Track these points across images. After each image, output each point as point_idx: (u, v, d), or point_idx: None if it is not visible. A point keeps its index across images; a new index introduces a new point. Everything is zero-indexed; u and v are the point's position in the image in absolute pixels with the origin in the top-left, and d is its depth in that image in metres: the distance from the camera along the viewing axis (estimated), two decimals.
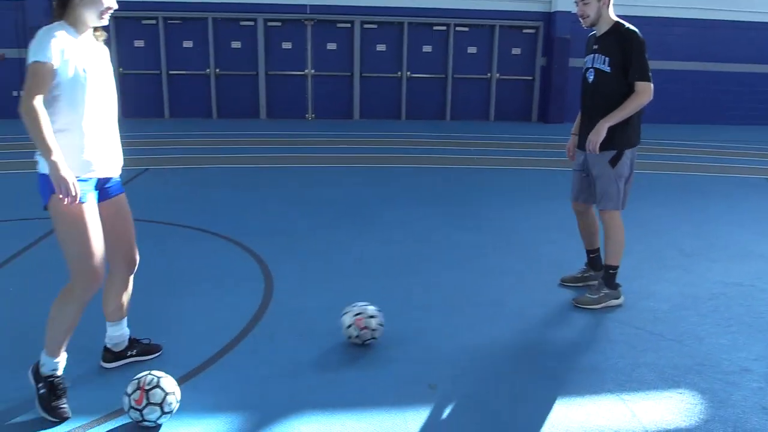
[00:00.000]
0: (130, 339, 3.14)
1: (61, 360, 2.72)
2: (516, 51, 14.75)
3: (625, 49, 3.66)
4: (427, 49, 14.59)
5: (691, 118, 15.07)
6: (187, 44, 13.72)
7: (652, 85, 3.66)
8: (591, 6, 3.72)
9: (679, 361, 3.23)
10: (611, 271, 3.95)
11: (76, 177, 2.51)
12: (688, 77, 14.95)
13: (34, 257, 4.73)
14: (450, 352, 3.31)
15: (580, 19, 3.81)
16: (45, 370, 2.69)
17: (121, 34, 13.65)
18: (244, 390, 2.88)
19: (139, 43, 13.77)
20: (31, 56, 2.42)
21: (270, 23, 13.89)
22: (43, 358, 2.70)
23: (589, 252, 4.27)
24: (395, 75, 14.55)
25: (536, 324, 3.72)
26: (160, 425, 2.55)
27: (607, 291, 3.95)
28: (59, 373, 2.70)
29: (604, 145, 3.73)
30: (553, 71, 14.27)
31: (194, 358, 3.16)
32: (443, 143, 11.13)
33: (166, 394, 2.52)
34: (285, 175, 7.97)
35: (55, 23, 2.55)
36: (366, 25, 14.22)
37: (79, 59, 2.54)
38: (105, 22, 2.65)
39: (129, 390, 2.53)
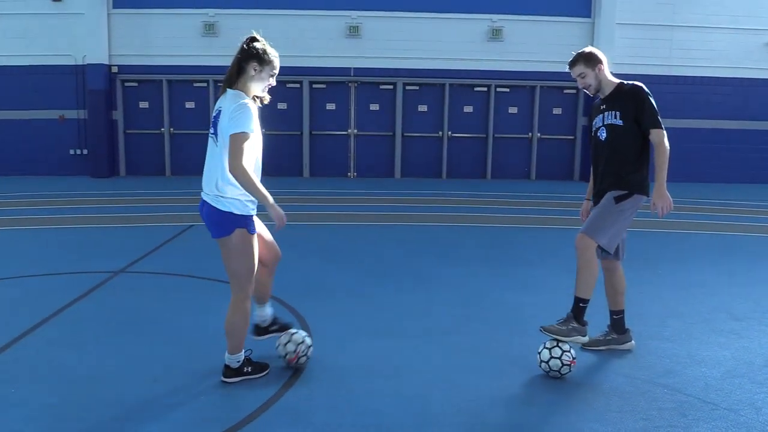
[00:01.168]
0: (274, 318, 3.91)
1: (242, 354, 3.55)
2: (557, 111, 14.82)
3: (636, 101, 3.85)
4: (468, 109, 14.78)
5: (740, 177, 14.74)
6: None
7: (664, 132, 3.82)
8: (589, 77, 3.97)
9: None
10: (581, 305, 3.82)
11: (251, 215, 3.37)
12: (737, 136, 14.71)
13: (85, 308, 4.84)
14: (490, 415, 3.22)
15: (584, 90, 4.07)
16: (237, 363, 3.53)
17: (173, 95, 14.29)
18: None
19: (190, 105, 14.36)
20: (241, 127, 3.16)
21: (315, 85, 14.34)
22: (229, 359, 3.52)
23: (612, 313, 4.18)
24: (436, 135, 14.73)
25: (583, 388, 3.60)
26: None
27: (575, 325, 3.80)
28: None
29: (616, 187, 3.87)
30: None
31: (231, 415, 3.15)
32: (484, 202, 11.12)
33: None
34: (326, 232, 8.05)
35: (242, 94, 3.28)
36: (408, 87, 14.53)
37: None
38: (264, 94, 3.42)
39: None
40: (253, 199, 3.34)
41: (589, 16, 14.24)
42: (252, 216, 3.41)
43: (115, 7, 13.85)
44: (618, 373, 3.78)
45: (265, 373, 3.63)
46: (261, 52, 3.32)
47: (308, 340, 3.78)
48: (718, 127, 14.68)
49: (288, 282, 5.55)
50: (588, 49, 4.08)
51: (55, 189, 11.80)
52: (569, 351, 3.69)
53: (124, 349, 4.05)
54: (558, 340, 3.72)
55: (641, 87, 3.88)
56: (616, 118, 3.89)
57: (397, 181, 14.28)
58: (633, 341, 4.13)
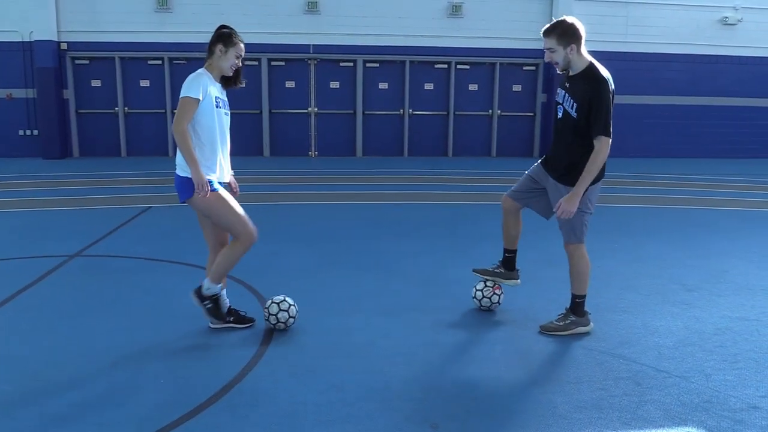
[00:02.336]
0: (229, 308, 4.04)
1: (219, 288, 3.89)
2: (517, 88, 14.92)
3: (592, 100, 3.67)
4: (428, 86, 14.76)
5: (693, 152, 15.15)
6: None
7: (610, 140, 3.70)
8: (558, 53, 3.76)
9: (685, 399, 3.18)
10: (578, 300, 4.03)
11: (210, 179, 3.68)
12: (690, 112, 15.08)
13: (39, 294, 4.72)
14: (451, 389, 3.27)
15: (550, 63, 3.88)
16: (209, 292, 3.88)
17: (126, 74, 13.90)
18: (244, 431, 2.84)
19: (144, 83, 13.99)
20: (185, 92, 3.60)
21: (273, 63, 14.11)
22: (207, 284, 3.86)
23: (506, 251, 4.33)
24: (397, 112, 14.69)
25: (540, 360, 3.68)
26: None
27: (574, 318, 4.03)
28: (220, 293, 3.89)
29: (569, 181, 3.84)
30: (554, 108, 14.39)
31: (192, 398, 3.12)
32: (446, 180, 11.18)
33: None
34: (286, 211, 7.99)
35: (203, 70, 3.77)
36: (368, 64, 14.42)
37: (218, 98, 3.78)
38: (230, 73, 3.85)
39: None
40: (212, 165, 3.76)
41: None
42: (209, 178, 3.71)
43: None
44: (575, 344, 3.88)
45: (219, 323, 3.96)
46: (226, 35, 3.80)
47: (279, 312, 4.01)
48: (673, 103, 15.00)
49: (246, 262, 5.49)
50: (570, 20, 3.78)
51: (5, 171, 11.40)
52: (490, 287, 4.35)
53: (81, 333, 3.97)
54: (485, 281, 4.40)
55: (603, 86, 3.67)
56: (572, 109, 3.77)
57: (358, 159, 14.23)
58: (592, 324, 4.10)
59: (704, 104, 15.12)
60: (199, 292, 3.91)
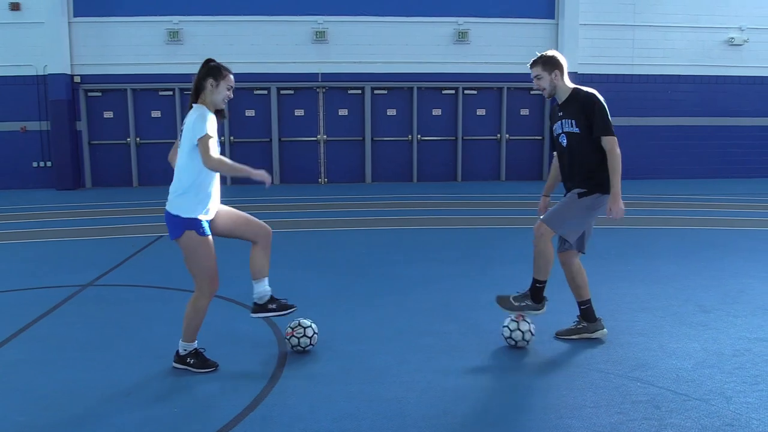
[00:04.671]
0: (270, 296, 4.02)
1: (194, 344, 3.83)
2: (524, 112, 14.99)
3: (587, 109, 4.00)
4: (436, 112, 14.86)
5: (702, 172, 15.10)
6: None
7: (615, 138, 3.98)
8: (544, 80, 4.11)
9: (706, 422, 3.12)
10: (538, 285, 4.12)
11: (202, 217, 3.69)
12: (698, 132, 15.06)
13: (53, 324, 4.73)
14: (467, 416, 3.23)
15: (540, 91, 4.21)
16: (187, 350, 3.82)
17: (138, 105, 14.09)
18: None
19: (156, 114, 14.18)
20: (203, 131, 3.57)
21: (283, 91, 14.27)
22: (183, 345, 3.82)
23: (579, 304, 4.30)
24: (406, 138, 14.78)
25: (556, 384, 3.63)
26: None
27: (530, 302, 4.14)
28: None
29: (581, 185, 4.06)
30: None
31: (206, 427, 3.10)
32: (456, 204, 11.18)
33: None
34: (298, 238, 8.00)
35: (203, 107, 3.72)
36: (376, 91, 14.55)
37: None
38: (224, 106, 3.83)
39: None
40: (205, 203, 3.73)
41: (553, 18, 14.45)
42: (200, 219, 3.70)
43: (75, 15, 13.61)
44: (591, 368, 3.83)
45: (209, 370, 3.81)
46: (215, 68, 3.78)
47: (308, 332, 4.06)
48: (680, 124, 15.00)
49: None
50: (550, 52, 4.18)
51: (19, 202, 11.53)
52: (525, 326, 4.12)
53: (95, 364, 3.97)
54: (518, 322, 4.14)
55: (593, 94, 4.01)
56: (572, 126, 4.06)
57: (368, 185, 14.27)
58: (605, 329, 4.26)
59: (712, 125, 15.12)
60: (178, 357, 3.85)
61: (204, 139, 3.58)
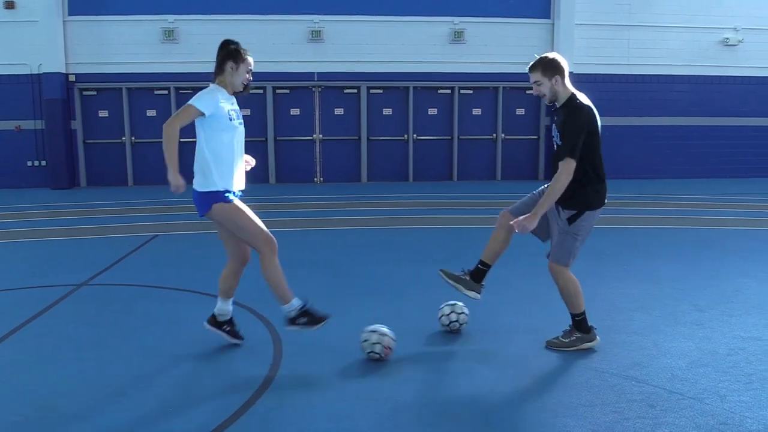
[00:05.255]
0: (230, 318, 4.14)
1: (295, 299, 3.85)
2: (520, 111, 15.00)
3: (565, 123, 3.84)
4: (432, 111, 14.86)
5: (698, 172, 15.14)
6: None
7: (573, 162, 3.77)
8: (544, 86, 3.92)
9: (700, 421, 3.13)
10: (577, 318, 4.06)
11: (225, 189, 3.76)
12: (693, 132, 15.10)
13: (47, 323, 4.71)
14: (463, 415, 3.23)
15: (539, 97, 4.06)
16: (294, 313, 3.85)
17: (133, 104, 14.06)
18: None
19: (151, 113, 14.14)
20: (191, 101, 3.65)
21: (278, 91, 14.25)
22: (285, 308, 3.85)
23: (482, 263, 4.27)
24: (402, 138, 14.78)
25: (552, 383, 3.64)
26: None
27: (579, 335, 4.07)
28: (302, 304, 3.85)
29: (566, 204, 3.91)
30: None
31: (201, 426, 3.09)
32: (451, 204, 11.19)
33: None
34: (293, 238, 7.99)
35: (215, 86, 3.83)
36: (372, 90, 14.55)
37: (231, 111, 3.81)
38: (242, 88, 3.90)
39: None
40: (227, 177, 3.78)
41: (549, 18, 14.47)
42: (221, 191, 3.76)
43: (70, 14, 13.56)
44: (587, 367, 3.83)
45: (322, 322, 3.87)
46: (234, 51, 3.84)
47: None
48: (677, 124, 15.04)
49: (257, 290, 5.48)
50: (551, 55, 3.99)
51: (14, 202, 11.49)
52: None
53: (90, 363, 3.96)
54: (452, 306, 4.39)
55: (576, 109, 3.82)
56: (557, 138, 3.96)
57: (363, 185, 14.27)
58: (598, 338, 4.13)
59: (708, 124, 15.15)
60: (290, 321, 3.89)
61: (186, 106, 3.67)
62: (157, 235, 8.17)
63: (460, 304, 4.40)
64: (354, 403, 3.37)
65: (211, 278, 5.99)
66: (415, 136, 14.75)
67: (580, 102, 3.88)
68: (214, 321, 4.15)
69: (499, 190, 13.03)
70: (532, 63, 3.98)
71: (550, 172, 4.04)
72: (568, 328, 4.13)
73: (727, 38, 14.86)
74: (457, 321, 4.37)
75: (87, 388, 3.58)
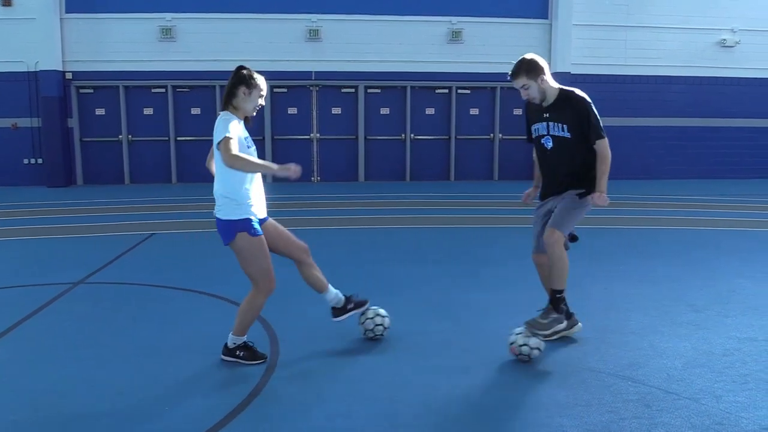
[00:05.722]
0: (345, 297, 4.25)
1: (244, 337, 3.88)
2: (517, 111, 15.00)
3: (581, 115, 3.96)
4: (430, 111, 14.86)
5: (694, 173, 15.17)
6: (195, 111, 14.07)
7: (606, 139, 3.99)
8: (533, 89, 4.00)
9: (696, 421, 3.14)
10: (558, 296, 4.05)
11: (251, 218, 3.77)
12: (690, 133, 15.14)
13: (43, 322, 4.70)
14: (459, 414, 3.23)
15: (528, 100, 4.11)
16: (232, 343, 3.88)
17: (130, 102, 14.03)
18: None
19: (148, 111, 14.12)
20: (223, 134, 3.58)
21: (276, 89, 14.24)
22: (233, 338, 3.88)
23: (553, 292, 4.19)
24: (399, 137, 14.77)
25: (548, 383, 3.64)
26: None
27: (555, 315, 4.03)
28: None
29: (575, 185, 4.06)
30: None
31: (197, 426, 3.09)
32: (449, 203, 11.19)
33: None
34: None
35: (227, 113, 3.77)
36: (370, 90, 14.54)
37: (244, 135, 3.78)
38: (254, 113, 3.86)
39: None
40: (251, 203, 3.78)
41: (546, 18, 14.48)
42: (250, 219, 3.75)
43: (68, 11, 13.52)
44: (583, 366, 3.84)
45: (258, 362, 3.86)
46: (247, 77, 3.79)
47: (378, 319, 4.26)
48: (673, 125, 15.07)
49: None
50: (528, 56, 4.04)
51: (10, 200, 11.45)
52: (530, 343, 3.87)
53: (86, 362, 3.95)
54: (530, 335, 3.91)
55: (584, 99, 3.98)
56: (563, 131, 4.00)
57: (361, 184, 14.27)
58: (580, 324, 4.27)
59: (704, 125, 15.18)
60: (227, 349, 3.91)
61: (224, 141, 3.59)
62: (153, 234, 8.15)
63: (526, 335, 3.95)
64: (350, 401, 3.37)
65: (207, 277, 6.00)
66: (412, 135, 14.75)
67: (579, 93, 4.05)
68: (337, 311, 4.23)
69: (496, 190, 13.04)
70: (513, 70, 4.01)
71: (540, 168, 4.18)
72: (546, 306, 4.06)
73: (724, 39, 14.90)
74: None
75: (83, 386, 3.57)
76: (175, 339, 4.34)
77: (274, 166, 3.67)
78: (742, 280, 5.87)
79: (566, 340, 4.26)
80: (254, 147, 3.93)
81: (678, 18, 14.68)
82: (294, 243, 4.09)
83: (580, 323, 4.31)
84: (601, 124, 3.98)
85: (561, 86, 4.07)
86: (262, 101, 3.87)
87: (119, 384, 3.59)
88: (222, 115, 3.77)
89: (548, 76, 4.01)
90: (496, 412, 3.28)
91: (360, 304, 4.27)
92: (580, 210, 4.05)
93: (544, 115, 4.08)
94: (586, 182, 4.04)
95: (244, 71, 3.82)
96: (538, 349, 3.87)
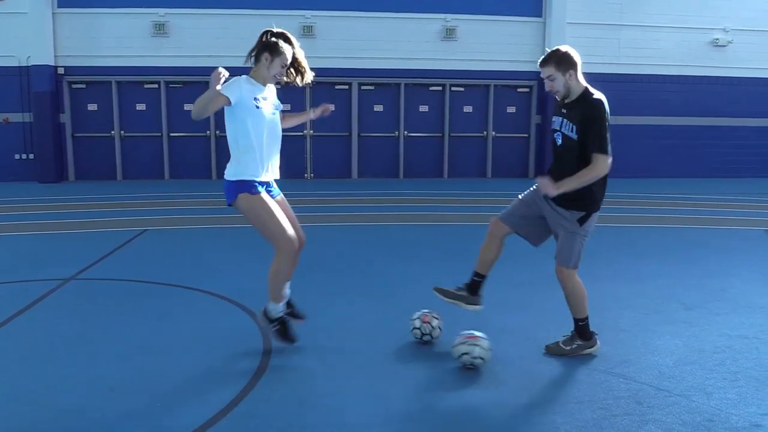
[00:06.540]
0: (288, 301, 4.11)
1: (282, 304, 3.89)
2: (511, 109, 15.04)
3: (587, 119, 3.73)
4: (423, 108, 14.86)
5: (687, 171, 15.24)
6: (188, 107, 14.01)
7: (609, 158, 3.72)
8: (558, 81, 3.79)
9: (687, 418, 3.16)
10: (581, 324, 3.97)
11: (252, 179, 3.75)
12: (683, 132, 15.20)
13: (34, 318, 4.68)
14: (453, 412, 3.24)
15: (550, 93, 3.90)
16: (274, 314, 3.91)
17: (123, 97, 13.96)
18: None
19: (141, 107, 14.06)
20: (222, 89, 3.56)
21: None
22: (270, 306, 3.89)
23: (477, 275, 4.18)
24: (392, 135, 14.77)
25: (540, 381, 3.65)
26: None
27: (580, 342, 3.97)
28: (284, 313, 3.93)
29: (574, 206, 3.83)
30: (548, 128, 14.51)
31: (189, 422, 3.08)
32: (442, 201, 11.20)
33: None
34: None
35: (243, 76, 3.79)
36: (363, 87, 14.53)
37: (258, 99, 3.77)
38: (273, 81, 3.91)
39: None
40: (257, 167, 3.78)
41: (540, 16, 14.48)
42: (248, 180, 3.76)
43: (60, 6, 13.42)
44: (575, 363, 3.86)
45: (286, 342, 3.92)
46: (272, 44, 3.78)
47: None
48: (666, 124, 15.14)
49: (244, 284, 5.47)
50: (564, 48, 3.83)
51: (1, 195, 11.38)
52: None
53: (78, 358, 3.93)
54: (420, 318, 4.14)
55: (599, 107, 3.74)
56: (572, 131, 3.80)
57: (354, 181, 14.26)
58: (599, 343, 4.05)
59: (697, 124, 15.26)
60: (265, 315, 3.95)
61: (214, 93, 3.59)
62: (146, 230, 8.12)
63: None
64: (343, 398, 3.37)
65: (199, 273, 5.99)
66: (406, 132, 14.75)
67: (597, 97, 3.79)
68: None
69: (490, 187, 13.06)
70: (544, 57, 3.82)
71: (541, 169, 4.02)
72: (570, 334, 4.01)
73: (717, 39, 14.97)
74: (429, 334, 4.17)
75: (76, 382, 3.55)
76: (167, 335, 4.33)
77: (213, 90, 3.58)
78: (734, 278, 5.91)
79: (459, 306, 4.22)
80: (275, 113, 3.95)
81: (671, 17, 14.73)
82: (298, 232, 4.04)
83: (599, 343, 4.09)
84: (605, 139, 3.70)
85: (588, 86, 3.84)
86: (284, 71, 3.88)
87: (111, 380, 3.58)
88: (238, 77, 3.80)
89: (579, 73, 3.79)
90: (488, 409, 3.29)
91: (295, 316, 4.15)
92: (583, 238, 3.90)
93: (562, 110, 3.90)
94: (584, 202, 3.83)
95: (271, 37, 3.82)
96: (481, 358, 3.72)
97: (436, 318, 4.17)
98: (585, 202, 3.82)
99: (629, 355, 3.98)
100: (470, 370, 3.71)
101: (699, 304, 5.08)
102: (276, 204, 3.88)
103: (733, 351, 4.08)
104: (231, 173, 3.81)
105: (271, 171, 3.93)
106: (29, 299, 5.08)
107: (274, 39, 3.81)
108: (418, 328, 4.12)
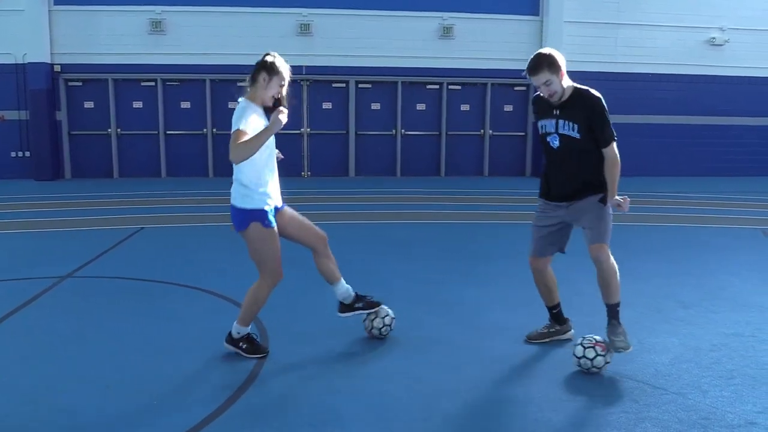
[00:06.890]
0: (355, 294, 4.17)
1: (248, 328, 3.88)
2: (508, 108, 15.03)
3: (591, 116, 3.78)
4: (420, 107, 14.85)
5: (683, 170, 15.25)
6: (185, 105, 13.99)
7: (615, 143, 3.88)
8: (555, 84, 3.75)
9: (683, 416, 3.17)
10: (618, 309, 3.93)
11: (267, 208, 3.74)
12: (680, 131, 15.21)
13: (30, 316, 4.66)
14: (449, 409, 3.24)
15: (548, 98, 3.84)
16: (240, 335, 3.86)
17: (119, 95, 13.93)
18: None
19: (137, 105, 14.02)
20: (236, 125, 3.58)
21: None
22: (236, 328, 3.86)
23: (550, 308, 4.22)
24: (390, 133, 14.76)
25: (537, 378, 3.66)
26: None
27: (620, 327, 3.86)
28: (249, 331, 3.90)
29: (591, 192, 3.92)
30: None
31: (185, 420, 3.08)
32: (439, 199, 11.20)
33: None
34: None
35: (246, 101, 3.77)
36: (360, 85, 14.51)
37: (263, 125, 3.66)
38: (270, 103, 3.78)
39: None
40: (267, 193, 3.76)
41: (537, 15, 14.47)
42: (265, 210, 3.73)
43: (56, 3, 13.37)
44: (572, 362, 3.85)
45: (259, 356, 3.86)
46: (269, 63, 3.80)
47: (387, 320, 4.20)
48: (663, 123, 15.15)
49: (241, 282, 5.44)
50: (547, 50, 3.82)
51: None
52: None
53: (74, 356, 3.92)
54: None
55: (600, 100, 3.78)
56: (573, 131, 3.78)
57: (351, 179, 14.25)
58: (572, 329, 4.23)
59: (694, 123, 15.27)
60: (231, 338, 3.90)
61: (235, 134, 3.56)
62: (142, 228, 8.11)
63: None
64: (339, 396, 3.37)
65: (196, 271, 5.98)
66: (403, 131, 14.74)
67: (592, 92, 3.83)
68: (345, 307, 4.18)
69: (486, 185, 13.06)
70: (533, 65, 3.76)
71: (538, 167, 4.04)
72: (615, 323, 3.87)
73: (714, 38, 14.98)
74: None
75: (71, 381, 3.55)
76: (163, 333, 4.32)
77: (271, 124, 3.57)
78: (730, 276, 5.92)
79: (558, 339, 4.25)
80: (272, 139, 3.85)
81: (668, 16, 14.73)
82: (311, 231, 4.06)
83: (572, 329, 4.22)
84: (612, 128, 3.83)
85: (575, 84, 3.85)
86: (282, 91, 3.83)
87: (108, 378, 3.57)
88: (240, 103, 3.76)
89: (565, 74, 3.78)
90: (484, 407, 3.30)
91: (370, 306, 4.19)
92: (610, 215, 3.93)
93: (555, 112, 3.84)
94: (600, 185, 3.90)
95: (269, 58, 3.83)
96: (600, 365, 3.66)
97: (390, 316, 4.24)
98: (600, 184, 3.91)
99: (626, 354, 3.97)
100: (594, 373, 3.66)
101: (696, 303, 5.09)
102: (278, 238, 3.84)
103: (729, 349, 4.09)
104: (245, 201, 3.73)
105: (277, 197, 3.92)
106: (25, 297, 5.07)
107: (270, 59, 3.82)
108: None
